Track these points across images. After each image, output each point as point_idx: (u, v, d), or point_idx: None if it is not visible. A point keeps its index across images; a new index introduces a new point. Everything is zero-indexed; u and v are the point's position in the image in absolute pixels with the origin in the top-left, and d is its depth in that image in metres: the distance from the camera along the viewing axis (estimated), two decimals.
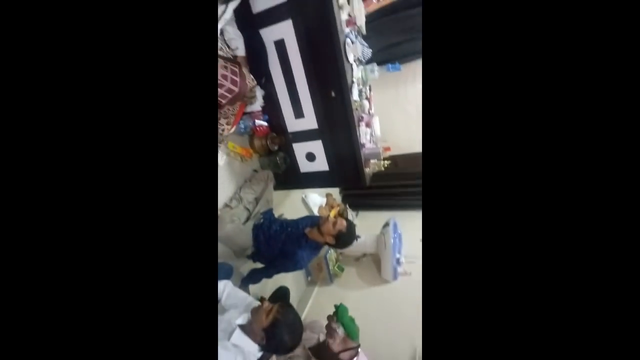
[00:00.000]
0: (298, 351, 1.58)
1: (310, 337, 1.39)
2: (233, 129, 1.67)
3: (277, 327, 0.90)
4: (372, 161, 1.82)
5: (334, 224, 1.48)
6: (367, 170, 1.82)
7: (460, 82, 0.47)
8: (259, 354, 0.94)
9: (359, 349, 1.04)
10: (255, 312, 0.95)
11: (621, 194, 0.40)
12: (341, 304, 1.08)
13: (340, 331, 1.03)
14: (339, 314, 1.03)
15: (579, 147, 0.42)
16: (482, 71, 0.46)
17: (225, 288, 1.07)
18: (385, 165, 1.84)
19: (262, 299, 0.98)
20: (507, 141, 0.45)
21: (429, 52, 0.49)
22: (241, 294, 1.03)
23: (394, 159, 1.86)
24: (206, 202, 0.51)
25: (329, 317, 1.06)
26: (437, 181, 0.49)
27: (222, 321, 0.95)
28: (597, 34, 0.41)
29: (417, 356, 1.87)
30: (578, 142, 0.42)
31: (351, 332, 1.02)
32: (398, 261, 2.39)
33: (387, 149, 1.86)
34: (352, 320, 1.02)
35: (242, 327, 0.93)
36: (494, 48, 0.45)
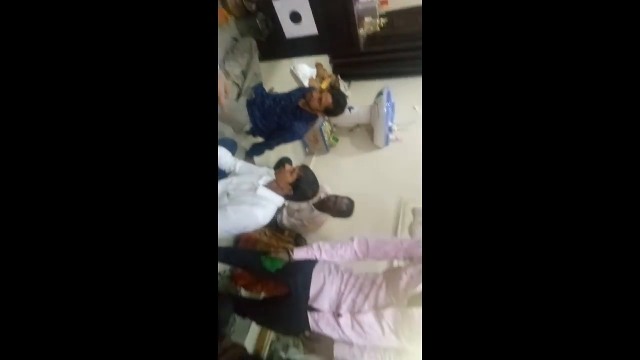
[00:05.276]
0: (304, 205, 1.89)
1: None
2: None
3: (302, 181, 1.14)
4: (366, 19, 1.62)
5: (319, 100, 1.49)
6: (361, 31, 1.64)
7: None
8: (281, 204, 1.20)
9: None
10: (280, 172, 1.18)
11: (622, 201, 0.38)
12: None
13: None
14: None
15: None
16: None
17: (237, 162, 1.29)
18: (382, 25, 1.65)
19: (283, 163, 1.19)
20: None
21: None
22: (253, 165, 1.22)
23: (390, 16, 1.64)
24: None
25: None
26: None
27: (246, 182, 1.19)
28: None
29: (402, 203, 2.26)
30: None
31: None
32: (390, 129, 2.50)
33: (384, 2, 1.62)
34: None
35: (265, 185, 1.17)
36: None
